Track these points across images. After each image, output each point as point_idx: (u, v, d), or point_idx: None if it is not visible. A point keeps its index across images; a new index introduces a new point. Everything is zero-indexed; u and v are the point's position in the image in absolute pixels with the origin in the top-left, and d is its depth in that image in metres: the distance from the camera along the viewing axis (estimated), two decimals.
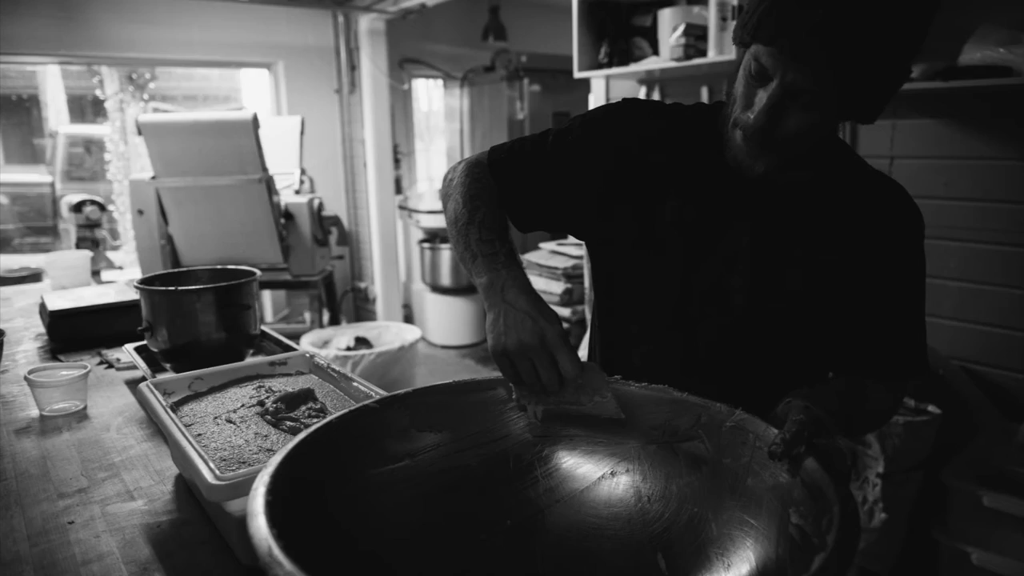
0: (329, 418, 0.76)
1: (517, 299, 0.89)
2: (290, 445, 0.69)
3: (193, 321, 1.53)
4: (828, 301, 1.03)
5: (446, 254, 5.12)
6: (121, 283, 2.36)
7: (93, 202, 3.44)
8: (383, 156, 5.19)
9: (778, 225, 1.03)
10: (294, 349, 1.64)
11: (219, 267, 1.74)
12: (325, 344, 4.09)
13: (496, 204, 1.07)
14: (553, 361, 0.85)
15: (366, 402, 0.82)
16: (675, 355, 1.10)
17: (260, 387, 1.27)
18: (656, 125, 1.10)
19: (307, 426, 1.11)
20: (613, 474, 0.84)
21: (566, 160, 1.11)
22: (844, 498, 0.62)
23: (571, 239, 4.18)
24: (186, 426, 1.08)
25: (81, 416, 1.45)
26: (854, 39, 0.82)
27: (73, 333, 1.94)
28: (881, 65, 0.85)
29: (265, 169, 3.13)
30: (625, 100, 1.14)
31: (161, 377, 1.29)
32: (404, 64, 5.45)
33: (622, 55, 3.06)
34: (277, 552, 0.51)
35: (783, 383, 0.99)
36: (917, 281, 1.05)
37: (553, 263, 4.08)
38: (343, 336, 4.18)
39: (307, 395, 1.22)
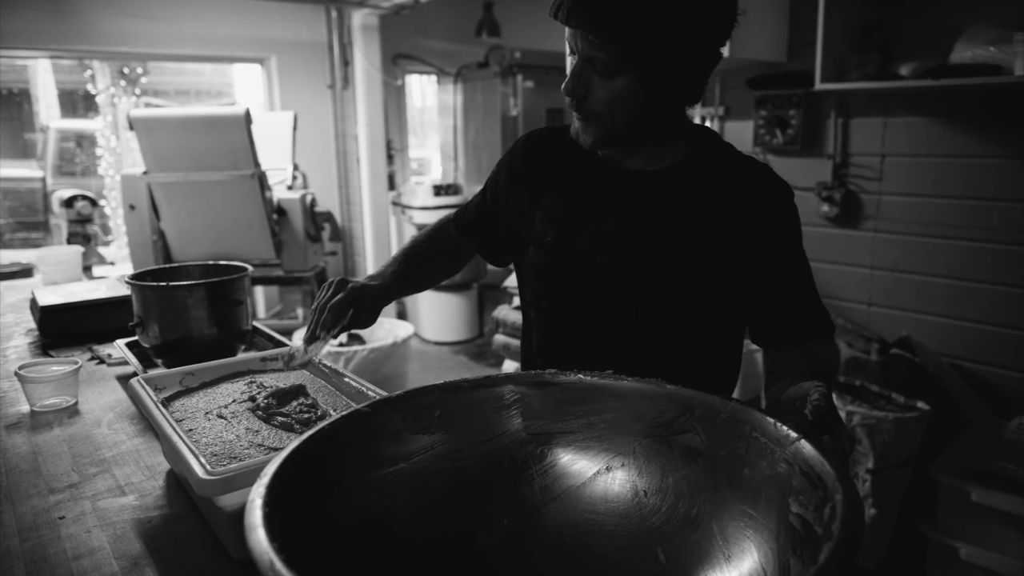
0: (321, 424, 0.76)
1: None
2: (284, 453, 0.69)
3: (184, 317, 1.52)
4: (712, 280, 1.11)
5: None
6: (112, 278, 2.35)
7: (84, 197, 3.43)
8: (376, 152, 5.18)
9: (646, 211, 1.12)
10: (286, 345, 1.64)
11: (211, 263, 1.73)
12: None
13: (420, 251, 1.38)
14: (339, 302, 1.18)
15: (357, 407, 0.82)
16: (579, 339, 1.21)
17: (251, 383, 1.27)
18: (547, 136, 1.26)
19: (298, 422, 1.12)
20: (608, 469, 0.84)
21: (492, 200, 1.32)
22: (847, 487, 0.62)
23: None
24: (177, 421, 1.08)
25: (72, 412, 1.44)
26: (601, 1, 0.95)
27: (64, 328, 1.93)
28: (645, 29, 0.96)
29: (258, 165, 3.13)
30: (536, 129, 1.33)
31: (152, 373, 1.29)
32: (397, 60, 5.43)
33: None
34: (280, 566, 0.52)
35: (686, 358, 1.14)
36: (799, 247, 1.14)
37: None
38: None
39: (299, 391, 1.22)
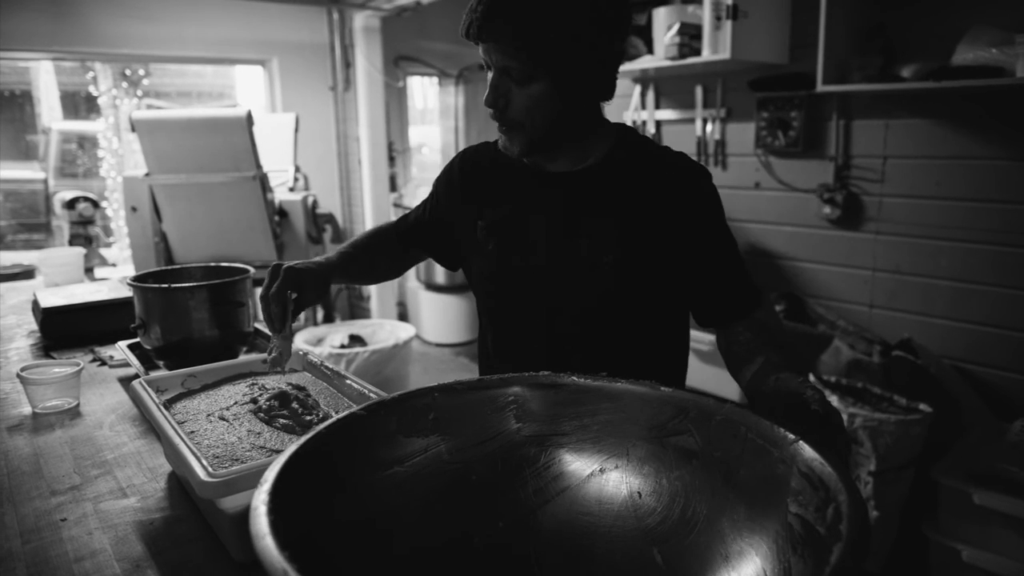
0: (319, 428, 0.76)
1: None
2: (283, 458, 0.69)
3: (186, 318, 1.52)
4: (646, 267, 1.16)
5: None
6: (114, 280, 2.35)
7: (86, 199, 3.43)
8: (378, 154, 5.18)
9: (576, 209, 1.18)
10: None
11: (213, 264, 1.73)
12: (319, 342, 4.09)
13: (364, 243, 1.41)
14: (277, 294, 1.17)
15: (353, 409, 0.82)
16: (530, 336, 1.26)
17: (253, 384, 1.27)
18: (478, 152, 1.34)
19: (300, 424, 1.12)
20: (603, 471, 0.84)
21: (431, 206, 1.39)
22: (850, 487, 0.62)
23: None
24: (179, 423, 1.08)
25: (74, 413, 1.45)
26: (504, 11, 1.03)
27: (66, 330, 1.93)
28: (551, 33, 1.03)
29: (259, 166, 3.13)
30: (467, 147, 1.39)
31: (154, 374, 1.29)
32: (399, 61, 5.44)
33: None
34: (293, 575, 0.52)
35: (632, 345, 1.20)
36: (724, 225, 1.20)
37: None
38: (337, 334, 4.17)
39: (300, 393, 1.22)
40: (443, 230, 1.37)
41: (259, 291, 1.24)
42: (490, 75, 1.11)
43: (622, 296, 1.17)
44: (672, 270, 1.17)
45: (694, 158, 3.17)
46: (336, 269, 1.32)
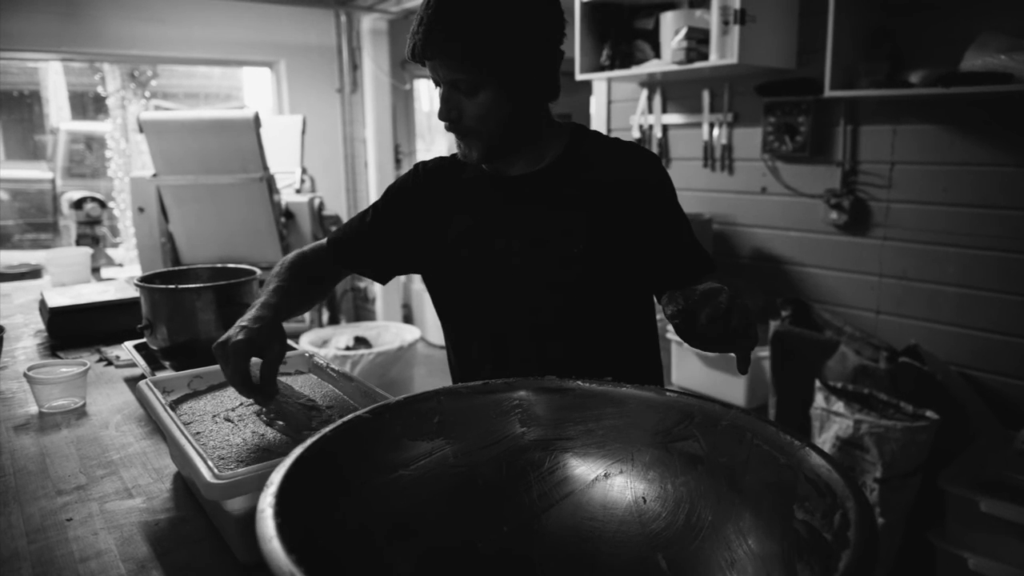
0: (324, 430, 0.76)
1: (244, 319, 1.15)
2: (289, 460, 0.69)
3: (193, 319, 1.53)
4: (612, 255, 1.22)
5: None
6: (121, 280, 2.36)
7: (94, 199, 3.45)
8: (384, 156, 5.19)
9: (539, 208, 1.23)
10: (293, 348, 1.64)
11: (219, 265, 1.74)
12: (324, 344, 4.09)
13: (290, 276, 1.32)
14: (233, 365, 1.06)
15: (359, 412, 0.82)
16: (517, 334, 1.27)
17: None
18: (438, 164, 1.36)
19: (305, 426, 1.12)
20: (607, 476, 0.84)
21: (381, 220, 1.36)
22: (858, 494, 0.62)
23: None
24: (185, 424, 1.09)
25: (80, 413, 1.45)
26: (444, 28, 1.08)
27: (73, 330, 1.94)
28: (490, 44, 1.09)
29: (266, 168, 3.14)
30: (423, 160, 1.40)
31: (160, 375, 1.29)
32: (406, 64, 5.45)
33: (624, 58, 3.06)
34: None
35: (604, 338, 1.26)
36: (677, 204, 1.28)
37: None
38: (342, 336, 4.18)
39: (305, 395, 1.23)
40: (385, 241, 1.35)
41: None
42: (439, 90, 1.17)
43: (593, 283, 1.23)
44: (636, 251, 1.23)
45: (699, 162, 3.19)
46: (280, 309, 1.21)
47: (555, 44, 1.18)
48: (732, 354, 1.03)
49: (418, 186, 1.36)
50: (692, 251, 1.26)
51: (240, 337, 1.08)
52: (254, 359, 1.10)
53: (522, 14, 1.12)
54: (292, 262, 1.35)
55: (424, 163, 1.39)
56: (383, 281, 1.42)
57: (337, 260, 1.38)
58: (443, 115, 1.17)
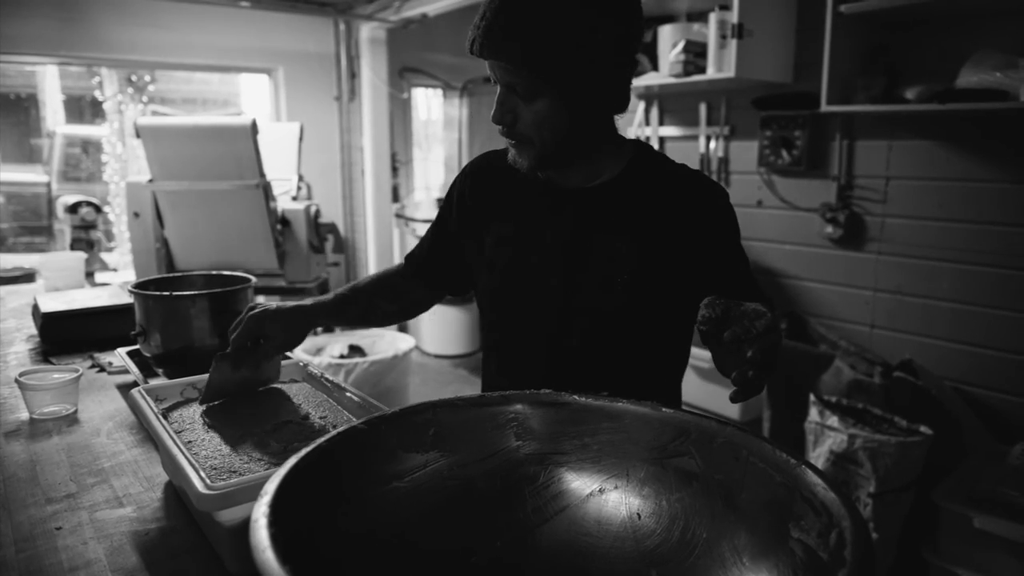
0: (319, 440, 0.75)
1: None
2: (283, 470, 0.69)
3: (187, 326, 1.52)
4: (658, 286, 1.14)
5: None
6: (115, 286, 2.35)
7: (89, 203, 3.44)
8: (381, 164, 5.20)
9: (588, 226, 1.16)
10: (287, 357, 1.64)
11: (214, 272, 1.73)
12: (318, 352, 4.08)
13: (366, 286, 1.40)
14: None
15: (354, 423, 0.81)
16: (535, 353, 1.22)
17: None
18: (487, 166, 1.30)
19: (298, 436, 1.11)
20: (602, 491, 0.83)
21: (439, 229, 1.36)
22: (854, 513, 0.61)
23: None
24: (177, 433, 1.08)
25: (71, 420, 1.44)
26: (504, 26, 1.02)
27: (65, 335, 1.93)
28: (552, 51, 1.01)
29: (263, 175, 3.13)
30: (473, 159, 1.35)
31: (153, 383, 1.29)
32: (404, 73, 5.46)
33: None
34: None
35: (632, 364, 1.18)
36: (739, 245, 1.19)
37: None
38: (336, 344, 4.16)
39: (298, 405, 1.22)
40: (455, 251, 1.34)
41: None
42: (498, 90, 1.10)
43: (632, 315, 1.15)
44: (685, 288, 1.14)
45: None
46: (324, 311, 1.31)
47: (627, 54, 1.09)
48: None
49: (464, 188, 1.31)
50: (748, 292, 1.12)
51: (265, 311, 1.24)
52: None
53: (592, 18, 1.02)
54: (373, 275, 1.42)
55: (473, 161, 1.34)
56: (456, 293, 1.39)
57: (407, 272, 1.40)
58: (497, 119, 1.10)
